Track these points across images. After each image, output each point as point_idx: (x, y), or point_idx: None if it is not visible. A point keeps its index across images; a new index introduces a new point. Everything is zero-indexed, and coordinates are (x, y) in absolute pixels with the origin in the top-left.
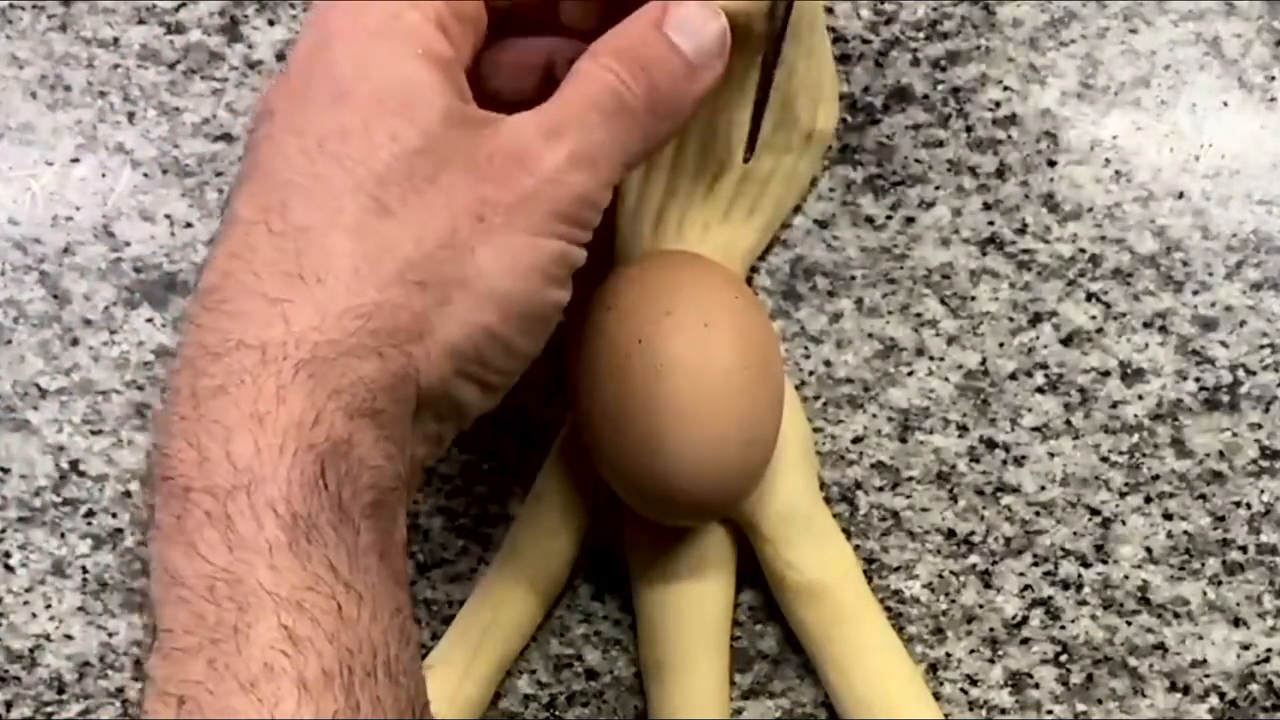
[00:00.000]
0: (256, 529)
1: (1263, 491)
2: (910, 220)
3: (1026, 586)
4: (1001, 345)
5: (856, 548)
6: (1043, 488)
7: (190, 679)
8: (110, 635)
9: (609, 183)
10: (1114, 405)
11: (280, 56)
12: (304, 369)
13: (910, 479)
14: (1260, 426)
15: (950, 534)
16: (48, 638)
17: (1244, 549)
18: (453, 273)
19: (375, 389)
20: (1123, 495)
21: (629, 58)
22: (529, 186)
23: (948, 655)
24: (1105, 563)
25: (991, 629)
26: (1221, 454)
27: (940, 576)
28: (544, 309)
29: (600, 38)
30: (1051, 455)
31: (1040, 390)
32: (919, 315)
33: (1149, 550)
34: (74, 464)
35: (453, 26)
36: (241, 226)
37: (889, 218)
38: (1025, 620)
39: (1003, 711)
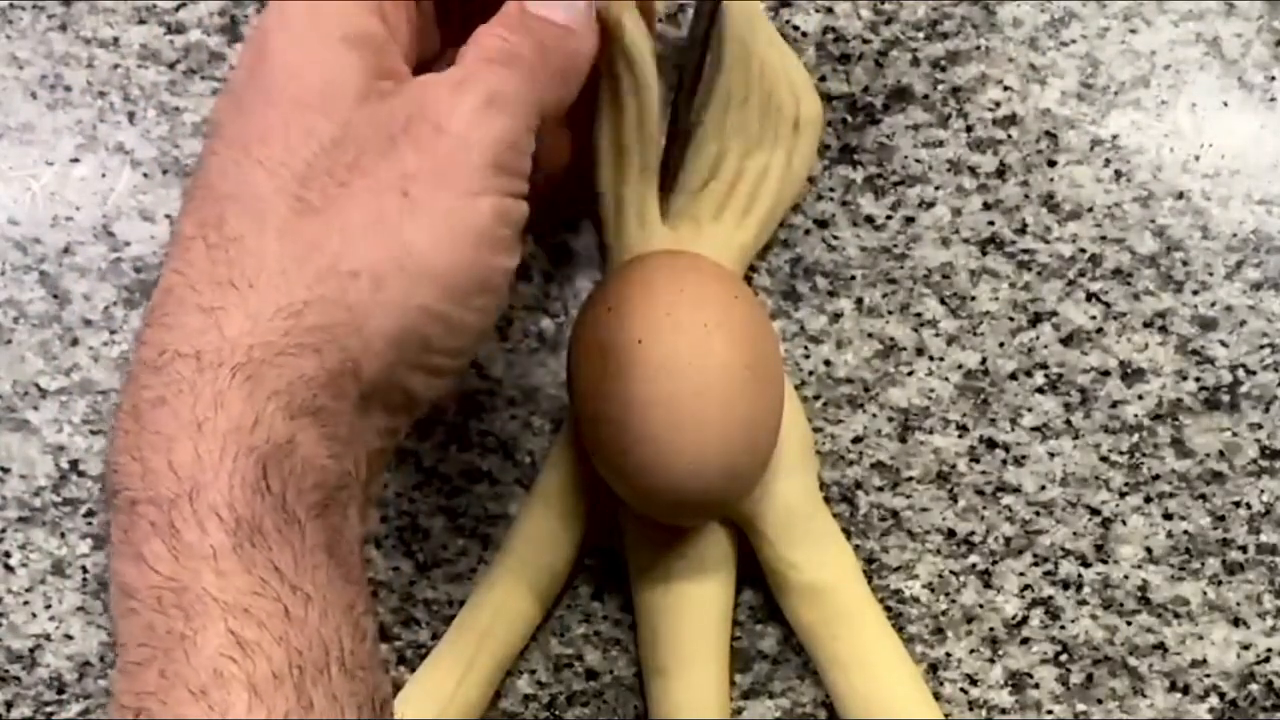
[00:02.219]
0: (200, 535)
1: (1263, 491)
2: (910, 220)
3: (1026, 586)
4: (1001, 345)
5: (856, 548)
6: (1043, 488)
7: (144, 690)
8: (110, 635)
9: (528, 126)
10: (1114, 405)
11: None
12: (240, 373)
13: (910, 479)
14: (1260, 426)
15: (950, 534)
16: (48, 638)
17: (1244, 549)
18: (383, 256)
19: (314, 387)
20: (1123, 495)
21: (511, 25)
22: (447, 145)
23: (948, 655)
24: (1105, 563)
25: (991, 629)
26: (1221, 454)
27: (940, 576)
28: (487, 276)
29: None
30: (1051, 455)
31: (1040, 390)
32: (919, 315)
33: (1149, 550)
34: (74, 464)
35: (388, 3)
36: (183, 243)
37: (889, 218)
38: (1025, 620)
39: (1003, 711)
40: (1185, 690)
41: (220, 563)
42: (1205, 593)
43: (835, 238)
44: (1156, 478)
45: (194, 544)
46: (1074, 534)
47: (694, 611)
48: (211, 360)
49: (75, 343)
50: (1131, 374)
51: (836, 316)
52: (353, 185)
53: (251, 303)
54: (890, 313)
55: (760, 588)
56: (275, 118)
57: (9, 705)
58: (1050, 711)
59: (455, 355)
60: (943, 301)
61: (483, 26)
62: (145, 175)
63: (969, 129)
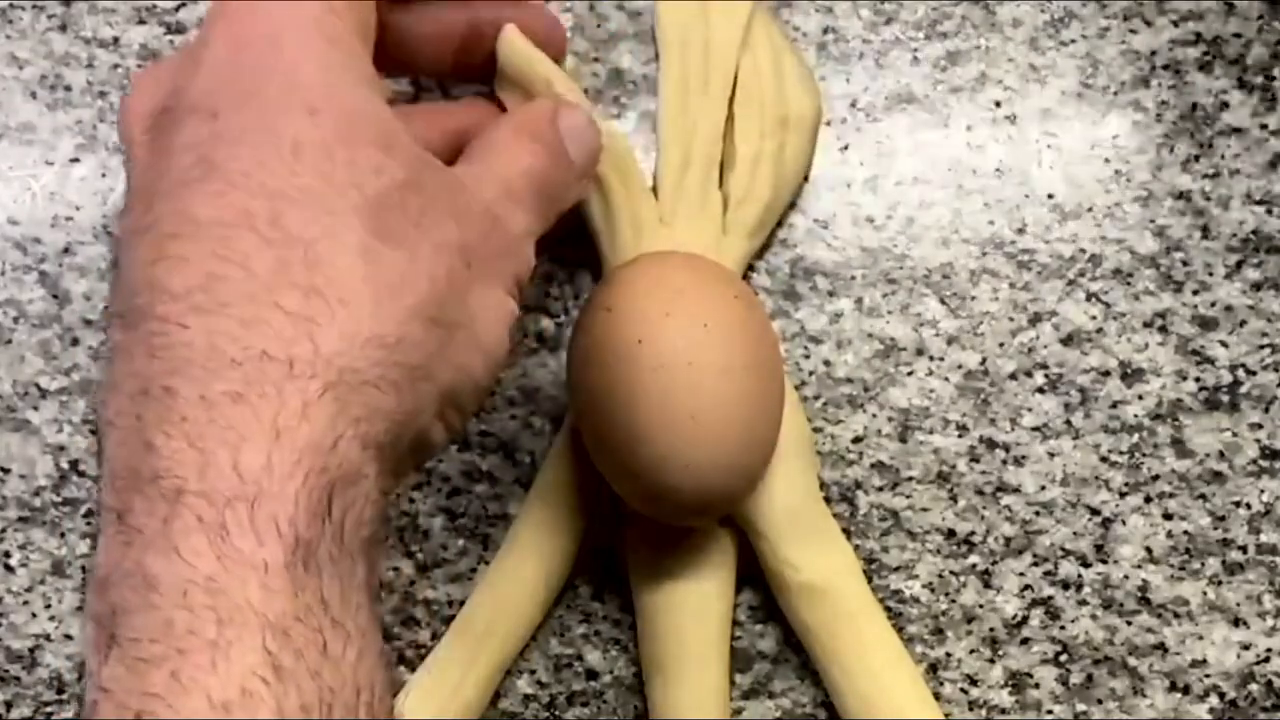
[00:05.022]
0: (255, 545)
1: (1263, 491)
2: (910, 220)
3: (1026, 586)
4: (1001, 345)
5: (856, 548)
6: (1043, 488)
7: (149, 690)
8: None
9: (534, 264)
10: (1114, 405)
11: None
12: (330, 391)
13: (910, 479)
14: (1260, 426)
15: (950, 534)
16: (48, 638)
17: (1244, 549)
18: (454, 314)
19: (390, 422)
20: (1123, 495)
21: (546, 143)
22: (502, 245)
23: (948, 655)
24: (1105, 563)
25: (991, 629)
26: (1221, 454)
27: (940, 576)
28: (503, 362)
29: (512, 118)
30: (1051, 455)
31: (1040, 390)
32: (919, 315)
33: (1149, 550)
34: (74, 464)
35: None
36: (214, 228)
37: (889, 218)
38: (1025, 620)
39: (1003, 711)
40: (1185, 690)
41: (270, 578)
42: (1205, 593)
43: (835, 238)
44: (1156, 478)
45: (245, 551)
46: (1074, 534)
47: (694, 611)
48: (304, 371)
49: (75, 343)
50: (1131, 374)
51: (836, 316)
52: (424, 232)
53: (345, 322)
54: (890, 313)
55: (760, 588)
56: (325, 132)
57: (9, 705)
58: (1050, 711)
59: (465, 420)
60: (943, 301)
61: (511, 123)
62: None
63: (969, 129)
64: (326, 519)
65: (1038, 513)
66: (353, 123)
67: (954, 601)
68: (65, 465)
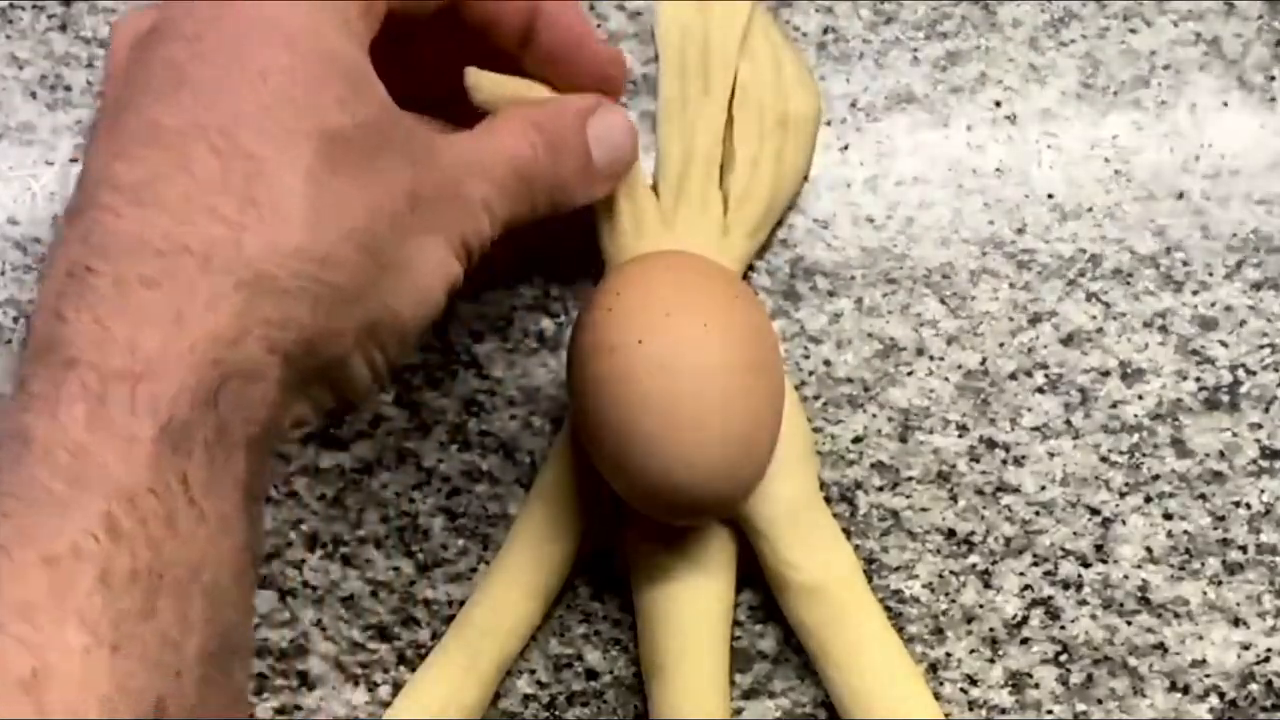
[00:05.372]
0: (129, 416)
1: (1263, 491)
2: (910, 220)
3: (1026, 586)
4: (1001, 345)
5: (856, 548)
6: (1043, 488)
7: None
8: None
9: (491, 238)
10: (1114, 405)
11: None
12: (244, 290)
13: (910, 479)
14: (1260, 426)
15: (950, 534)
16: None
17: (1244, 549)
18: (390, 253)
19: (302, 334)
20: (1123, 495)
21: (551, 136)
22: (456, 204)
23: (948, 655)
24: (1105, 563)
25: (991, 629)
26: (1221, 454)
27: (940, 576)
28: (432, 316)
29: (529, 107)
30: (1051, 455)
31: (1040, 390)
32: (919, 315)
33: (1149, 550)
34: None
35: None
36: (172, 135)
37: (889, 218)
38: (1025, 620)
39: (1003, 711)
40: (1185, 690)
41: (133, 449)
42: (1205, 593)
43: (835, 238)
44: (1156, 478)
45: (117, 422)
46: (1074, 534)
47: (694, 611)
48: (221, 267)
49: None
50: (1131, 374)
51: (836, 316)
52: (376, 170)
53: (274, 232)
54: (890, 313)
55: (760, 588)
56: (298, 62)
57: None
58: (1050, 711)
59: (382, 371)
60: (943, 301)
61: (530, 114)
62: None
63: (969, 129)
64: (212, 408)
65: (1038, 513)
66: (326, 61)
67: (954, 601)
68: None
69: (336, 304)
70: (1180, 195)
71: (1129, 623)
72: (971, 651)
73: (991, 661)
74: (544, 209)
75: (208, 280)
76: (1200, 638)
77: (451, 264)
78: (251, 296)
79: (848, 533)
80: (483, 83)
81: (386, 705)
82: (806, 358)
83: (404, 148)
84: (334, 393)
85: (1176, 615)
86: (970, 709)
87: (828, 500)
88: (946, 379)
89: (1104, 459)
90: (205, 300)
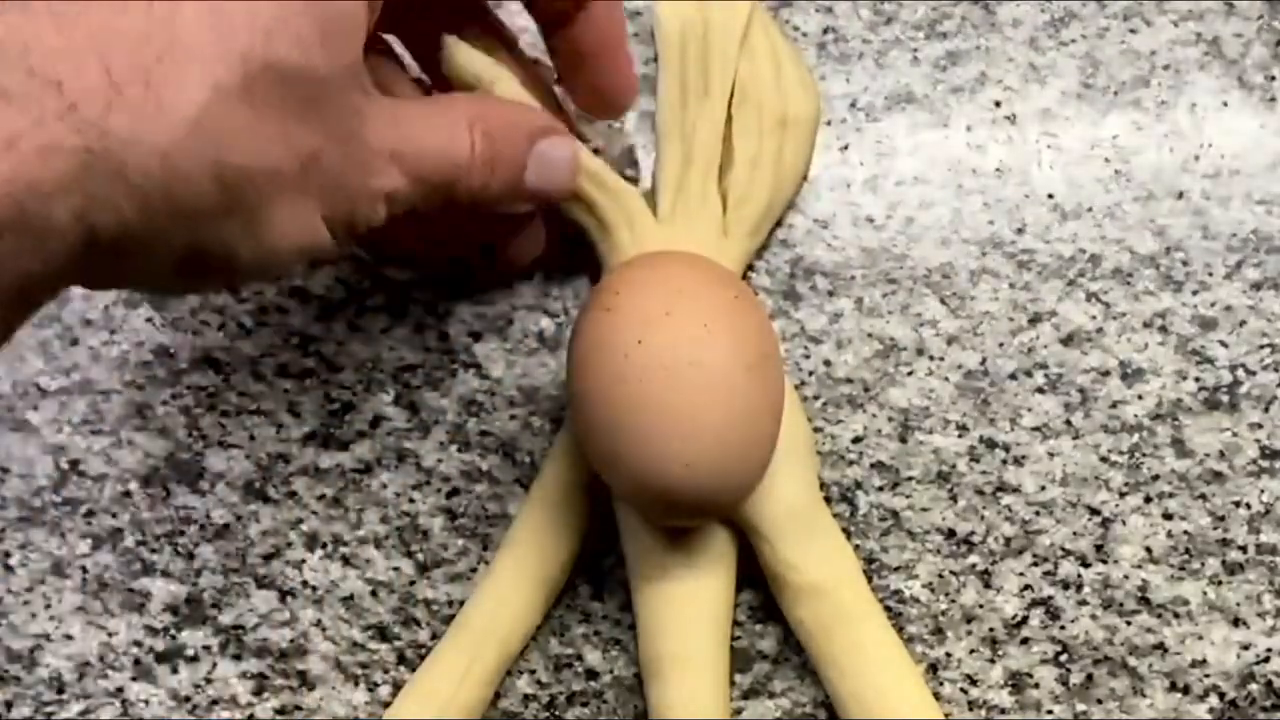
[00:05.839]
0: None
1: (1263, 491)
2: (910, 220)
3: (1026, 586)
4: (1001, 345)
5: (856, 548)
6: (1043, 488)
7: None
8: (110, 635)
9: (380, 223)
10: (1114, 405)
11: None
12: (85, 156)
13: (910, 479)
14: (1260, 426)
15: (950, 534)
16: (48, 638)
17: (1244, 549)
18: (252, 202)
19: (117, 227)
20: (1123, 495)
21: (495, 148)
22: (353, 188)
23: (948, 655)
24: (1105, 563)
25: (991, 629)
26: (1221, 454)
27: (940, 576)
28: (268, 277)
29: (486, 106)
30: (1051, 455)
31: (1040, 390)
32: (919, 315)
33: (1149, 550)
34: (74, 464)
35: None
36: None
37: (889, 218)
38: (1025, 620)
39: (1003, 711)
40: (1185, 690)
41: None
42: (1205, 593)
43: (835, 238)
44: (1156, 478)
45: None
46: (1074, 534)
47: (694, 611)
48: (78, 124)
49: (75, 343)
50: (1131, 374)
51: (836, 316)
52: (287, 122)
53: (152, 126)
54: (890, 313)
55: (760, 588)
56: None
57: (9, 705)
58: (1050, 711)
59: (195, 285)
60: (943, 301)
61: (486, 111)
62: None
63: (969, 129)
64: None
65: (1038, 513)
66: (307, 8)
67: (954, 601)
68: (65, 465)
69: (169, 217)
70: (1180, 195)
71: (1129, 623)
72: (971, 651)
73: (991, 661)
74: (459, 204)
75: (59, 126)
76: (1200, 638)
77: (320, 235)
78: (88, 166)
79: (848, 533)
80: (457, 56)
81: (386, 705)
82: (806, 358)
83: (334, 113)
84: (121, 284)
85: (1176, 615)
86: (970, 709)
87: (828, 500)
88: (946, 379)
89: (1104, 459)
90: (44, 143)
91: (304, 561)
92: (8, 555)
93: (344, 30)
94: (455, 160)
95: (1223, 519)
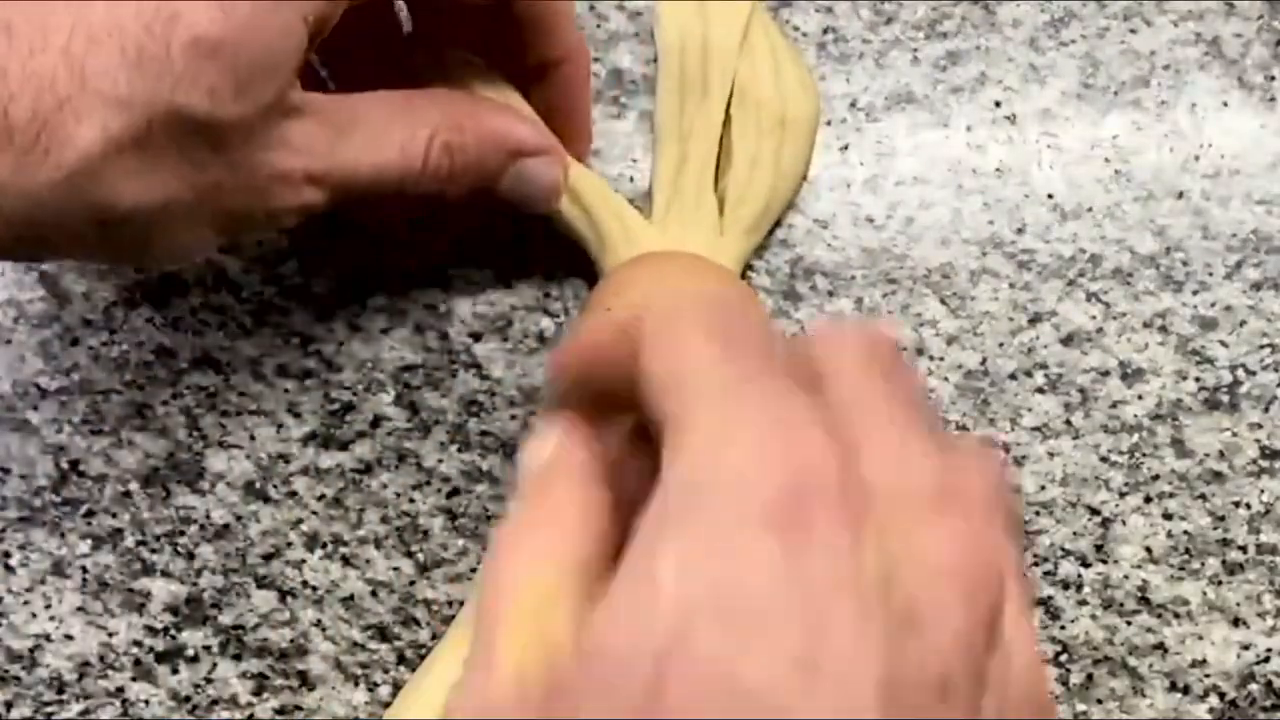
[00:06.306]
0: None
1: (1263, 491)
2: (910, 220)
3: None
4: (1001, 345)
5: None
6: (1043, 488)
7: None
8: (110, 635)
9: (292, 226)
10: (1114, 405)
11: None
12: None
13: None
14: (1260, 426)
15: None
16: (48, 638)
17: (1244, 549)
18: (140, 225)
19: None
20: (1123, 495)
21: (459, 158)
22: (259, 204)
23: None
24: (1105, 563)
25: None
26: (1221, 454)
27: None
28: (143, 266)
29: (474, 109)
30: (1051, 455)
31: (1040, 390)
32: (919, 315)
33: (1149, 550)
34: (74, 464)
35: None
36: None
37: (889, 218)
38: None
39: None
40: (1185, 690)
41: None
42: (1205, 593)
43: (835, 238)
44: (1156, 478)
45: None
46: (1074, 534)
47: None
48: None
49: (75, 343)
50: (1131, 374)
51: (837, 317)
52: (188, 163)
53: (40, 157)
54: (890, 313)
55: None
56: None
57: (9, 705)
58: None
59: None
60: (943, 301)
61: (471, 111)
62: None
63: (969, 129)
64: None
65: (1038, 513)
66: (227, 60)
67: None
68: (65, 465)
69: (49, 248)
70: (1180, 195)
71: (1129, 623)
72: None
73: None
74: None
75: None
76: (1200, 638)
77: (216, 243)
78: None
79: None
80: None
81: (386, 705)
82: None
83: (241, 149)
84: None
85: (1176, 615)
86: None
87: None
88: (946, 379)
89: (1104, 459)
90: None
91: (304, 561)
92: (8, 555)
93: (266, 75)
94: (400, 173)
95: (1223, 519)
